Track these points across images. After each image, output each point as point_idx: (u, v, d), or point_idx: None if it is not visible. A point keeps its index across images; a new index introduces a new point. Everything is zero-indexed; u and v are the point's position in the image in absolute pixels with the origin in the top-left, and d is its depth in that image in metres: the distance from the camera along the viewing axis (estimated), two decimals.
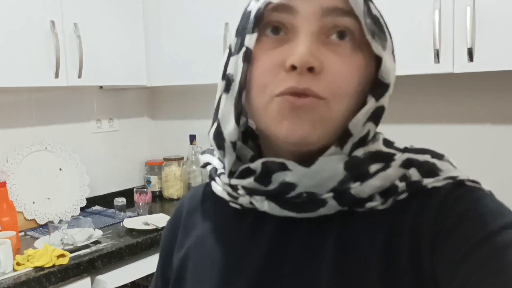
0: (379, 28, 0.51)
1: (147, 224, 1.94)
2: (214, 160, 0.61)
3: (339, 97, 0.49)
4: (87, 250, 1.69)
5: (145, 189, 2.20)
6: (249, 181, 0.53)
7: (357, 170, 0.50)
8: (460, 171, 0.52)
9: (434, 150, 0.54)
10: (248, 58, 0.51)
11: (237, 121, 0.53)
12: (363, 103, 0.52)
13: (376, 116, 0.52)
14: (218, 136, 0.55)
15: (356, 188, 0.50)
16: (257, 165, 0.52)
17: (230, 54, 0.54)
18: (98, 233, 1.81)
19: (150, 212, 2.18)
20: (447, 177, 0.50)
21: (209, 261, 0.57)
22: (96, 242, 1.76)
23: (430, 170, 0.51)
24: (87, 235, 1.75)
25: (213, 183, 0.61)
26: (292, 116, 0.48)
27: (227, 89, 0.53)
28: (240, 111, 0.53)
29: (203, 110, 2.47)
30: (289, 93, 0.48)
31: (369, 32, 0.49)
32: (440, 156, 0.53)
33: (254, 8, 0.52)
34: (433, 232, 0.46)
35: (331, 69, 0.48)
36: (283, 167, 0.51)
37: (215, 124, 0.55)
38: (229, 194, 0.57)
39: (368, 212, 0.51)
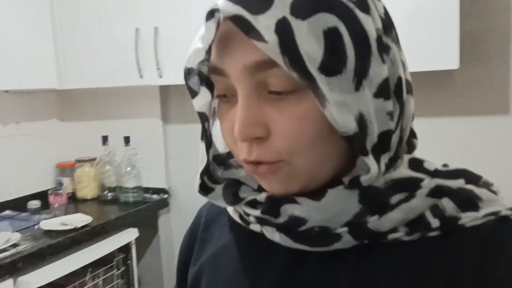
0: (337, 59, 0.40)
1: (65, 224, 1.97)
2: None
3: (297, 153, 0.43)
4: (7, 253, 1.70)
5: (60, 191, 2.22)
6: (257, 212, 0.49)
7: (374, 202, 0.45)
8: (502, 201, 0.46)
9: (470, 171, 0.47)
10: (205, 121, 0.49)
11: (204, 174, 0.52)
12: None
13: (385, 145, 0.44)
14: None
15: (374, 222, 0.45)
16: (262, 197, 0.48)
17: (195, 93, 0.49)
18: (16, 236, 1.82)
19: (66, 213, 2.21)
20: (488, 213, 0.44)
21: (222, 282, 0.55)
22: (15, 245, 1.77)
23: (467, 201, 0.45)
24: (4, 238, 1.76)
25: None
26: (262, 179, 0.47)
27: (202, 136, 0.51)
28: (208, 165, 0.52)
29: (115, 111, 2.53)
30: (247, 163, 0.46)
31: (307, 84, 0.40)
32: (476, 179, 0.47)
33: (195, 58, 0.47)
34: (480, 278, 0.42)
35: (278, 130, 0.43)
36: (291, 200, 0.46)
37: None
38: (240, 217, 0.55)
39: (391, 243, 0.46)
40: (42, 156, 2.56)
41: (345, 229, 0.46)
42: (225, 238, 0.58)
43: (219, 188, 0.53)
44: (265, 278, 0.51)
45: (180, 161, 2.43)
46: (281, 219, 0.47)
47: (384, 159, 0.45)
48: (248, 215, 0.52)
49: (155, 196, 2.43)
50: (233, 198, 0.51)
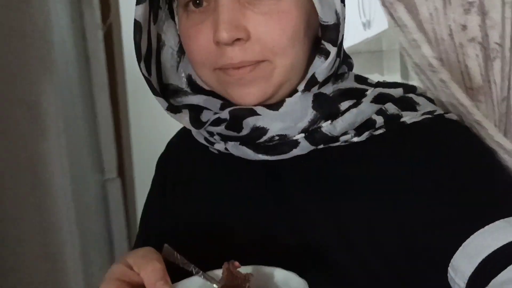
0: None
1: None
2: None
3: (279, 53, 0.48)
4: None
5: None
6: (221, 128, 0.53)
7: (326, 108, 0.51)
8: (435, 105, 0.54)
9: (406, 83, 0.55)
10: (139, 31, 0.51)
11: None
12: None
13: (340, 52, 0.52)
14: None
15: (327, 127, 0.51)
16: (225, 113, 0.52)
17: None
18: None
19: None
20: (425, 112, 0.52)
21: (198, 202, 0.58)
22: None
23: (407, 104, 0.52)
24: None
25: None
26: (239, 86, 0.50)
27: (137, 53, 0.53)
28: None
29: None
30: (227, 68, 0.49)
31: None
32: (413, 89, 0.54)
33: None
34: (425, 166, 0.48)
35: (259, 33, 0.47)
36: (252, 112, 0.51)
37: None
38: (205, 139, 0.58)
39: (343, 146, 0.52)
40: None
41: (302, 135, 0.51)
42: (198, 162, 0.61)
43: (185, 111, 0.55)
44: (244, 192, 0.55)
45: None
46: (243, 132, 0.52)
47: (339, 57, 0.51)
48: (212, 135, 0.55)
49: None
50: (197, 123, 0.54)
